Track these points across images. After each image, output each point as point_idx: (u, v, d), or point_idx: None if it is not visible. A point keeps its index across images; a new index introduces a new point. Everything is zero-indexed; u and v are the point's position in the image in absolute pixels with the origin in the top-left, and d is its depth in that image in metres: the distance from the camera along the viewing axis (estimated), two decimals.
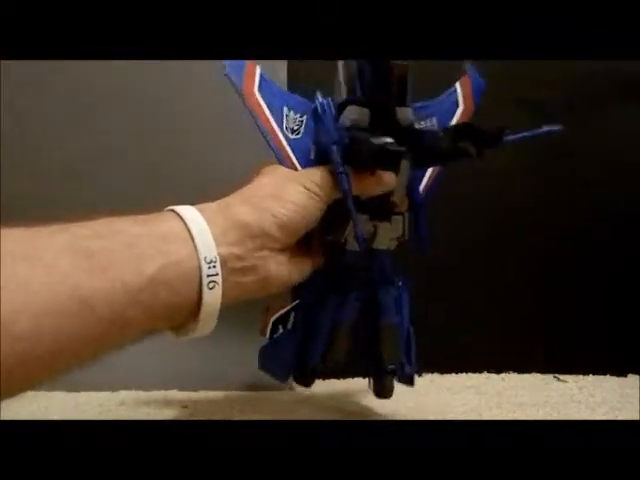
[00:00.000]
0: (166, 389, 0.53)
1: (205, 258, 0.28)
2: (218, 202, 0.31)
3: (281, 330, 0.38)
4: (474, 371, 0.58)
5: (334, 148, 0.33)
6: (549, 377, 0.57)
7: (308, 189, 0.33)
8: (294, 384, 0.47)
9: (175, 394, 0.52)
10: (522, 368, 0.58)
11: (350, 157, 0.33)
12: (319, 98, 0.36)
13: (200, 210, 0.30)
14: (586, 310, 0.58)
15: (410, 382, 0.41)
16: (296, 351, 0.39)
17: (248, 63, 0.36)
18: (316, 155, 0.36)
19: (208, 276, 0.28)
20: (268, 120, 0.35)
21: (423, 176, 0.40)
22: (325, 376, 0.55)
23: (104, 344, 0.25)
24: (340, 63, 0.36)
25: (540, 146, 0.52)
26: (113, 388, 0.52)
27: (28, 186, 0.51)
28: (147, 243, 0.27)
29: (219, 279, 0.28)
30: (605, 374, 0.58)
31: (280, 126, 0.36)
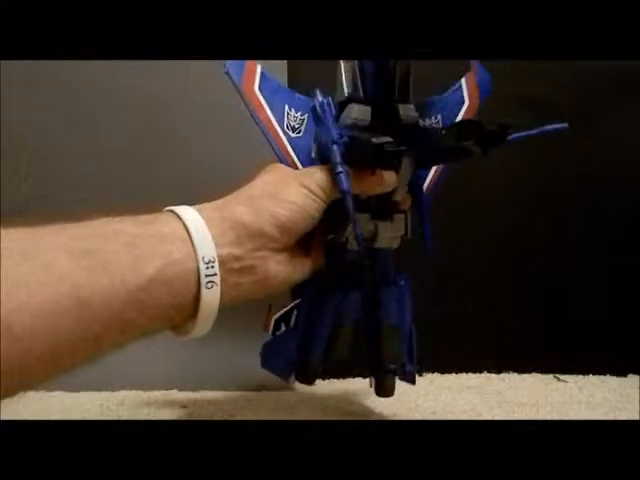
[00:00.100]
0: (166, 389, 0.53)
1: (203, 258, 0.28)
2: (217, 202, 0.31)
3: (283, 328, 0.39)
4: (474, 371, 0.58)
5: (334, 148, 0.33)
6: (549, 377, 0.57)
7: (308, 189, 0.32)
8: (294, 384, 0.47)
9: (175, 394, 0.52)
10: (522, 368, 0.58)
11: (350, 157, 0.33)
12: (319, 97, 0.36)
13: (199, 210, 0.30)
14: (586, 310, 0.58)
15: (412, 380, 0.41)
16: (298, 349, 0.39)
17: (248, 61, 0.35)
18: (317, 154, 0.36)
19: (206, 276, 0.28)
20: (269, 118, 0.35)
21: (427, 175, 0.39)
22: (326, 376, 0.55)
23: (103, 343, 0.25)
24: (341, 61, 0.36)
25: (545, 146, 0.52)
26: (113, 388, 0.52)
27: (28, 186, 0.51)
28: (146, 243, 0.27)
29: (217, 279, 0.28)
30: (605, 374, 0.58)
31: (281, 124, 0.36)
